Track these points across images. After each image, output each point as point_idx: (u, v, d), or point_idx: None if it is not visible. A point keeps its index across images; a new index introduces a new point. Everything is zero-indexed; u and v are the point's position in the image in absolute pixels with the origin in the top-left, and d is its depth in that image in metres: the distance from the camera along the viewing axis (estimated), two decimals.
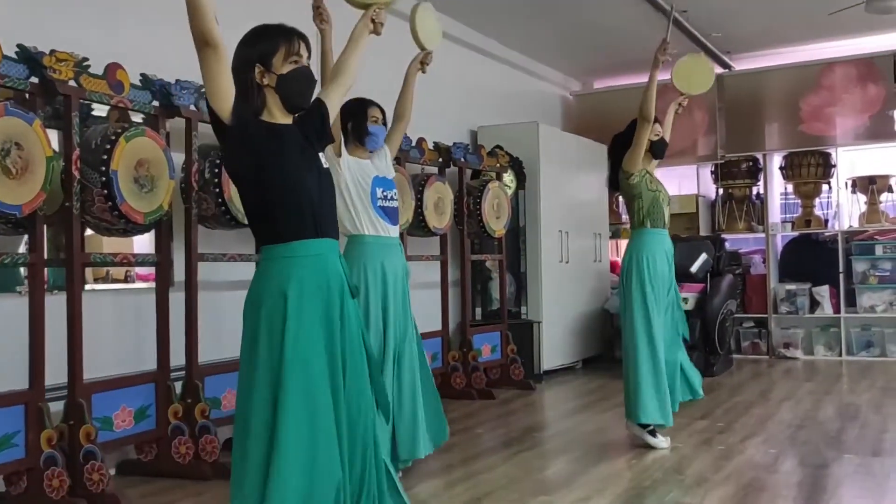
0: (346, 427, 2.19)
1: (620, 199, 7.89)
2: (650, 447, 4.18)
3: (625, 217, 8.85)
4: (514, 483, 3.66)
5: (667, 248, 4.32)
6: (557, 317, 7.02)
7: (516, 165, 6.92)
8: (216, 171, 3.97)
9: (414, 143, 5.63)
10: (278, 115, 2.27)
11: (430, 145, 5.88)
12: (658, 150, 4.38)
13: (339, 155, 3.57)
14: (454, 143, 6.09)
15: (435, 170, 5.91)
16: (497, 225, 6.26)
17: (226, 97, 2.12)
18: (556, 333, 7.00)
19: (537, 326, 6.71)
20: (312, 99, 2.35)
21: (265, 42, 2.25)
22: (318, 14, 3.21)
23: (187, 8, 2.00)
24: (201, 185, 3.99)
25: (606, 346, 7.79)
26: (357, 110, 3.71)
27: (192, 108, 3.96)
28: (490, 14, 6.67)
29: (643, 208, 4.27)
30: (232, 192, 4.00)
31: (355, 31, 2.58)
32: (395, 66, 4.02)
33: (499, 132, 7.05)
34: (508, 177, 6.87)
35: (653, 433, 4.22)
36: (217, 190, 3.97)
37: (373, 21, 2.60)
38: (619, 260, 8.99)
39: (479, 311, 6.92)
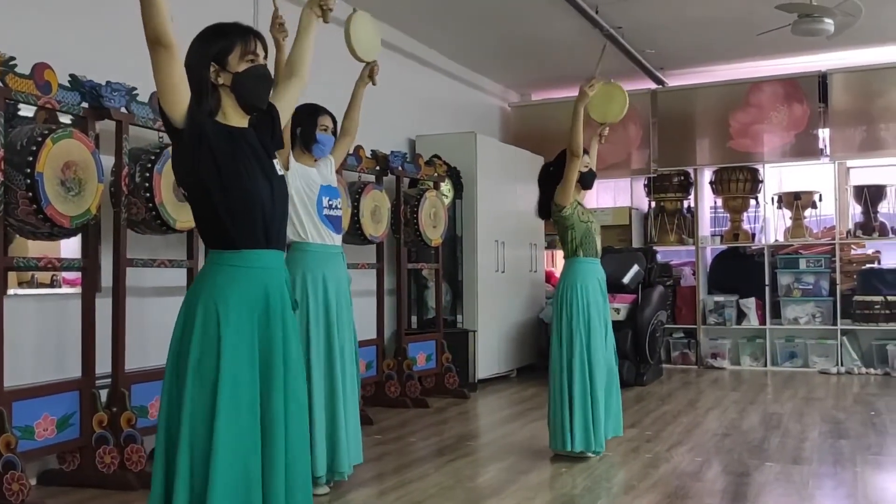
0: (278, 451, 2.14)
1: None
2: (580, 457, 4.21)
3: None
4: (447, 491, 3.67)
5: (599, 277, 4.37)
6: (493, 326, 7.08)
7: (454, 175, 6.96)
8: (147, 175, 3.90)
9: (351, 151, 5.61)
10: (233, 116, 2.22)
11: (368, 153, 5.88)
12: (587, 182, 4.44)
13: (287, 168, 3.54)
14: (392, 152, 6.09)
15: (372, 178, 5.90)
16: (434, 234, 6.28)
17: (179, 99, 2.07)
18: (491, 342, 7.05)
19: (472, 335, 6.74)
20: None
21: (221, 40, 2.20)
22: (276, 25, 3.21)
23: (141, 6, 1.94)
24: (131, 189, 3.91)
25: (541, 355, 7.86)
26: (307, 117, 3.70)
27: (123, 110, 3.88)
28: (430, 24, 6.70)
29: (576, 239, 4.31)
30: (164, 196, 3.93)
31: (302, 20, 2.46)
32: (345, 74, 4.01)
33: (437, 141, 7.08)
34: (446, 186, 6.90)
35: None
36: (148, 194, 3.90)
37: (321, 6, 2.47)
38: (555, 270, 9.17)
39: (414, 319, 6.92)
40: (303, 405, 2.26)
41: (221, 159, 2.13)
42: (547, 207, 4.41)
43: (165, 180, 3.97)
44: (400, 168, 6.12)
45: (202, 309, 2.13)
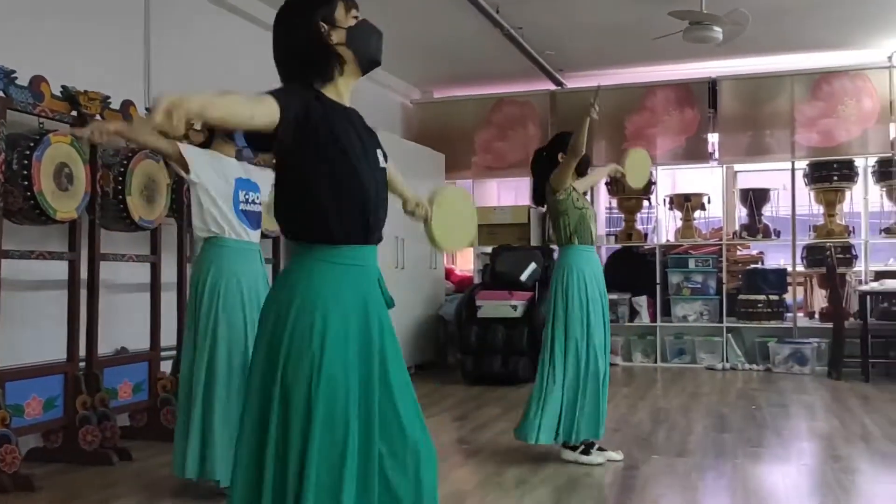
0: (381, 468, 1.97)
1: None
2: (474, 453, 4.23)
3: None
4: None
5: (594, 265, 4.24)
6: (393, 322, 7.03)
7: None
8: (26, 162, 3.71)
9: (246, 144, 5.47)
10: (343, 87, 2.06)
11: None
12: (582, 167, 4.32)
13: (189, 172, 3.44)
14: None
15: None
16: None
17: (267, 121, 1.86)
18: None
19: None
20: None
21: (321, 2, 2.04)
22: None
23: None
24: (8, 177, 3.71)
25: (440, 351, 7.89)
26: None
27: (0, 94, 3.68)
28: None
29: (569, 226, 4.18)
30: (43, 185, 3.75)
31: None
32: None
33: None
34: None
35: (585, 451, 4.11)
36: (26, 182, 3.71)
37: None
38: (454, 267, 9.23)
39: None
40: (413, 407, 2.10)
41: (324, 142, 1.94)
42: (541, 193, 4.31)
43: (46, 168, 3.80)
44: None
45: (297, 314, 1.93)
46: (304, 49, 2.01)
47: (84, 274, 4.25)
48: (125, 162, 4.35)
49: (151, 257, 4.75)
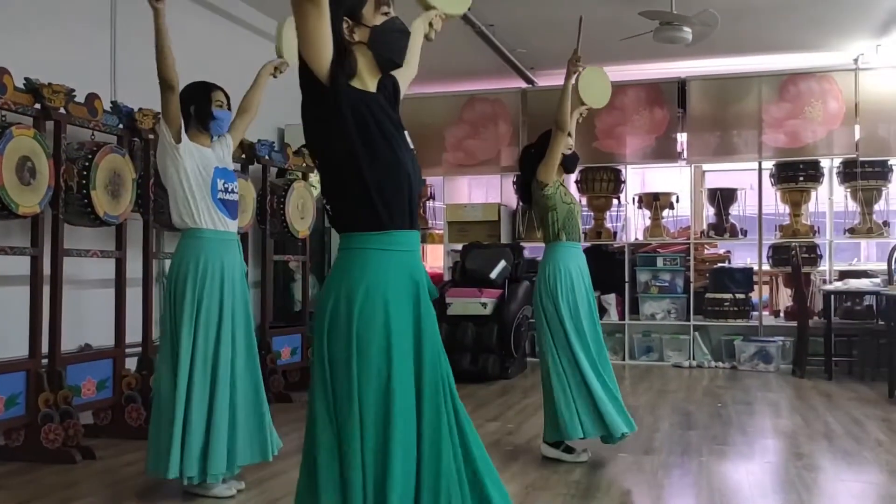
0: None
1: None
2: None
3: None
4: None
5: (580, 262, 4.16)
6: None
7: None
8: None
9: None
10: (367, 79, 2.01)
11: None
12: (570, 164, 4.30)
13: (179, 140, 3.39)
14: (259, 140, 5.94)
15: (238, 167, 5.73)
16: (301, 225, 6.17)
17: (323, 53, 1.87)
18: None
19: None
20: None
21: None
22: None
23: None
24: None
25: None
26: (200, 94, 3.56)
27: None
28: None
29: (558, 221, 4.11)
30: (5, 179, 3.68)
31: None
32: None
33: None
34: (315, 177, 6.79)
35: (568, 450, 4.09)
36: None
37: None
38: (424, 265, 9.21)
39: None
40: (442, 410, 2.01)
41: (365, 126, 1.92)
42: (528, 190, 4.23)
43: (8, 161, 3.73)
44: (267, 157, 5.97)
45: (366, 297, 1.90)
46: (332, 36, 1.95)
47: (47, 270, 4.19)
48: (90, 156, 4.28)
49: (116, 253, 4.69)
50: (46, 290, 4.18)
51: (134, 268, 4.79)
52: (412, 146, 2.06)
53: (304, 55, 1.89)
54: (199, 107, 3.54)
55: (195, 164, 3.45)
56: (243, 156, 5.80)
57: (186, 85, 3.54)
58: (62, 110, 4.20)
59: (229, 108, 3.67)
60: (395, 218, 1.95)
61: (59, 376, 4.18)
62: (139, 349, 4.78)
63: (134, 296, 4.77)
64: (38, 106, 4.08)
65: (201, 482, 3.41)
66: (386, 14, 2.00)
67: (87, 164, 4.26)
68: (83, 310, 4.69)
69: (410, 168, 1.99)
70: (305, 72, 1.91)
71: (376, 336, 1.89)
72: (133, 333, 4.75)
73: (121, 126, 4.67)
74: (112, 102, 4.70)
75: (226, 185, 3.55)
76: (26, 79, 4.03)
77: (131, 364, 4.78)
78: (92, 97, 4.43)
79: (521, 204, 8.87)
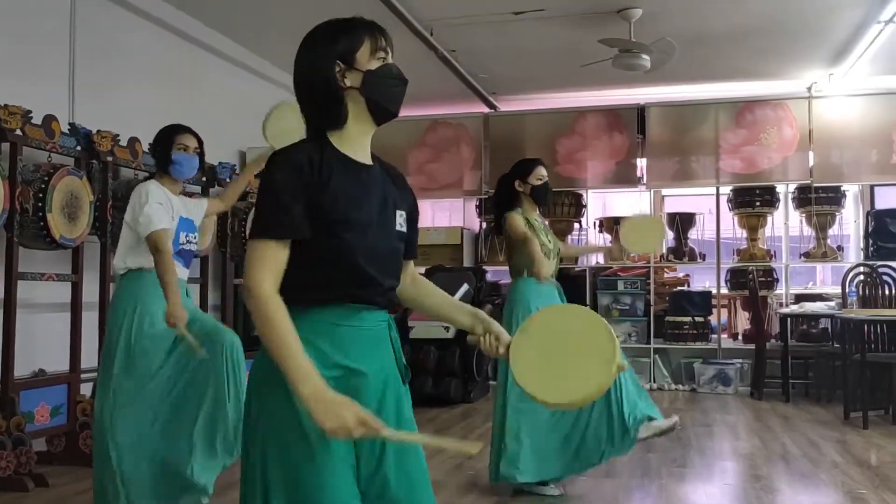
0: None
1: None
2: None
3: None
4: None
5: (545, 298, 3.94)
6: None
7: None
8: None
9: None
10: (355, 133, 1.85)
11: None
12: (540, 197, 4.10)
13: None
14: (220, 163, 5.90)
15: (199, 189, 5.69)
16: None
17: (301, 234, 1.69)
18: None
19: None
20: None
21: (345, 35, 1.83)
22: None
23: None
24: None
25: None
26: (164, 137, 3.50)
27: None
28: (263, 34, 6.56)
29: (526, 256, 3.96)
30: None
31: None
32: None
33: (267, 154, 6.91)
34: None
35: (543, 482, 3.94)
36: None
37: None
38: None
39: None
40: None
41: (343, 205, 1.73)
42: (498, 222, 4.09)
43: None
44: (227, 180, 5.93)
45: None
46: (310, 88, 1.82)
47: (0, 293, 4.11)
48: (46, 178, 4.22)
49: (72, 276, 4.62)
50: (0, 314, 4.10)
51: (90, 291, 4.71)
52: (400, 228, 1.88)
53: None
54: (160, 149, 3.50)
55: (164, 213, 3.34)
56: (204, 178, 5.76)
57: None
58: (18, 132, 4.14)
59: (198, 152, 3.59)
60: (336, 295, 1.76)
61: (11, 402, 4.09)
62: (94, 374, 4.70)
63: (90, 320, 4.70)
64: None
65: None
66: (382, 59, 1.86)
67: (43, 186, 4.20)
68: (37, 334, 4.60)
69: (367, 253, 1.77)
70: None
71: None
72: (89, 358, 4.67)
73: (79, 148, 4.61)
74: (70, 124, 4.65)
75: (187, 237, 3.50)
76: None
77: (87, 389, 4.69)
78: (49, 118, 4.38)
79: (483, 227, 8.92)
